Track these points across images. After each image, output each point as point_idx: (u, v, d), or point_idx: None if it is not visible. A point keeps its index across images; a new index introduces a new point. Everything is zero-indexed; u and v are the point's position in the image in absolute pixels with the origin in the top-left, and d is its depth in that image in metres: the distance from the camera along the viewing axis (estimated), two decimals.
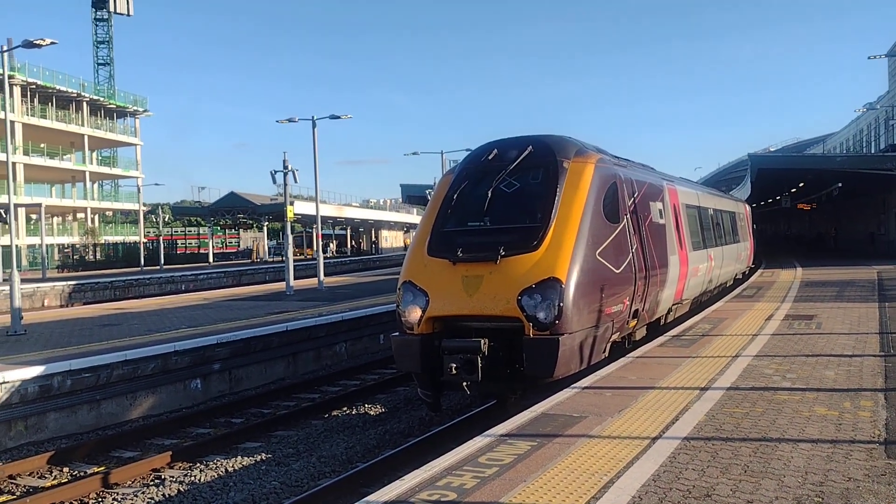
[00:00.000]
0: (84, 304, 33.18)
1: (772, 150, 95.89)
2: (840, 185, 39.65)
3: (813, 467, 5.68)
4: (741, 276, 26.86)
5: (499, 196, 10.50)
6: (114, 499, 9.14)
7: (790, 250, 53.27)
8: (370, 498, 5.42)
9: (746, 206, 30.90)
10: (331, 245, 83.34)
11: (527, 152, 10.72)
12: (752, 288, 21.92)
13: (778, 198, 53.33)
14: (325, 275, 31.44)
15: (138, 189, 67.70)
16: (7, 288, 17.48)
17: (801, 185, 45.68)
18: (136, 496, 9.12)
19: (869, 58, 32.87)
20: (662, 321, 14.19)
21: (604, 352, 10.58)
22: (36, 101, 61.92)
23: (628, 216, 11.59)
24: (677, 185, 16.38)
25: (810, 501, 5.01)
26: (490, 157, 10.98)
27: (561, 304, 9.34)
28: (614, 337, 11.00)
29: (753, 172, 37.77)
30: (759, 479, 5.46)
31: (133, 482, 9.75)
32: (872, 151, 65.18)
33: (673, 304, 14.44)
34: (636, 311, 11.66)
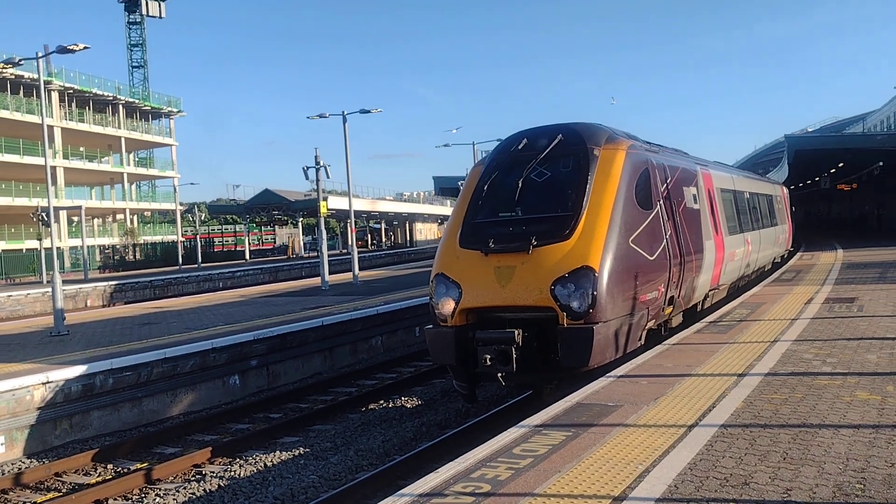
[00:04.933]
0: (125, 303, 33.80)
1: (809, 130, 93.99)
2: (881, 163, 38.73)
3: (854, 453, 5.57)
4: (780, 260, 26.42)
5: (529, 186, 10.44)
6: (157, 494, 9.30)
7: (830, 232, 52.26)
8: (405, 490, 5.44)
9: (784, 188, 30.37)
10: (367, 238, 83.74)
11: (557, 141, 10.63)
12: (790, 271, 21.54)
13: (817, 179, 52.26)
14: (360, 269, 31.61)
15: (175, 189, 68.87)
16: (51, 289, 17.85)
17: (841, 165, 44.77)
18: (178, 491, 9.28)
19: None
20: (699, 307, 14.01)
21: (639, 339, 10.49)
22: (73, 105, 63.10)
23: (661, 202, 11.45)
24: (711, 169, 16.14)
25: (851, 488, 4.92)
26: (520, 147, 10.92)
27: (595, 293, 9.27)
28: (650, 324, 10.89)
29: (790, 154, 37.14)
30: (799, 466, 5.37)
31: (175, 478, 9.92)
32: None
33: (709, 290, 14.24)
34: (671, 297, 11.53)
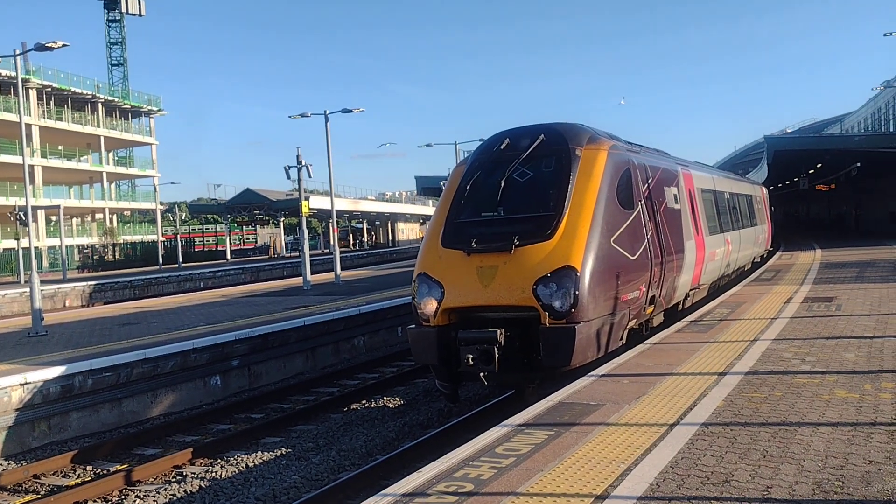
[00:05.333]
0: (104, 303, 33.49)
1: (788, 131, 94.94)
2: (859, 164, 39.19)
3: (833, 451, 5.63)
4: (759, 260, 26.67)
5: (512, 185, 10.46)
6: (136, 496, 9.22)
7: (809, 232, 52.81)
8: (388, 490, 5.43)
9: (763, 188, 30.65)
10: (349, 238, 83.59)
11: (539, 141, 10.67)
12: (770, 271, 21.74)
13: (795, 179, 52.80)
14: (343, 269, 31.55)
15: (155, 188, 68.30)
16: (28, 289, 17.66)
17: (819, 165, 45.24)
18: (159, 493, 9.21)
19: (885, 35, 32.36)
20: (680, 307, 14.10)
21: (621, 339, 10.54)
22: (52, 103, 62.41)
23: (643, 202, 11.51)
24: (692, 169, 16.26)
25: (830, 485, 4.97)
26: (502, 147, 10.94)
27: (576, 293, 9.31)
28: (631, 324, 10.94)
29: (770, 154, 37.50)
30: (779, 463, 5.42)
31: (155, 479, 9.84)
32: (891, 129, 64.39)
33: (690, 290, 14.34)
34: (653, 297, 11.60)
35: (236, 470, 9.84)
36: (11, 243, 51.27)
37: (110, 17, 75.09)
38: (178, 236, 59.02)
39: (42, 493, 9.58)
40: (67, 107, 63.97)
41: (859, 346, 9.54)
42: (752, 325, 11.73)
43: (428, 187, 55.20)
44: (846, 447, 5.69)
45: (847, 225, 55.69)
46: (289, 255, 68.95)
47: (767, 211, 29.94)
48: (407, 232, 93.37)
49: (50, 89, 61.42)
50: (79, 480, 9.97)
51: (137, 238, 71.67)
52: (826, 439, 5.90)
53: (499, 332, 9.41)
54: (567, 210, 9.92)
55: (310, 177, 28.24)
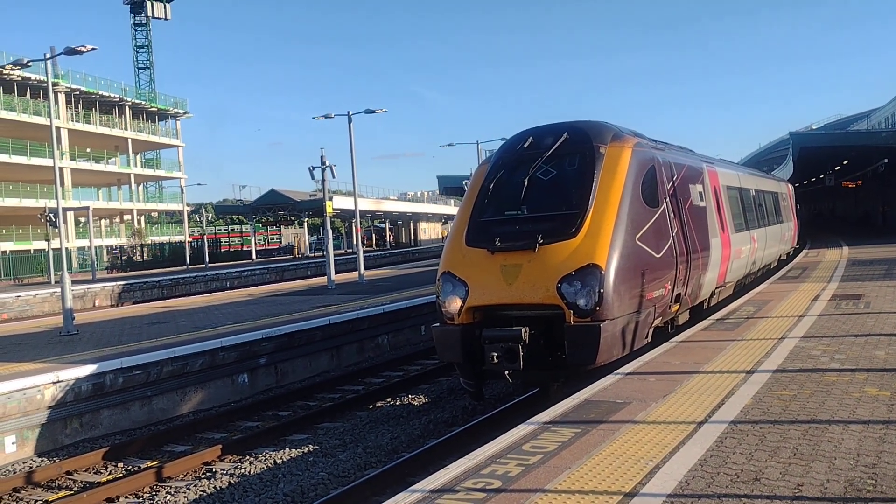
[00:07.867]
0: (133, 303, 33.90)
1: (814, 127, 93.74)
2: (886, 161, 38.65)
3: (865, 449, 5.58)
4: (785, 257, 26.39)
5: (535, 184, 10.45)
6: (167, 492, 9.35)
7: (835, 229, 52.11)
8: (416, 487, 5.47)
9: (789, 185, 30.31)
10: (373, 238, 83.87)
11: (562, 139, 10.64)
12: (797, 269, 21.51)
13: (821, 176, 52.20)
14: (366, 268, 31.68)
15: (182, 189, 69.00)
16: (59, 290, 17.93)
17: (845, 162, 44.71)
18: (189, 489, 9.33)
19: None
20: (706, 305, 14.01)
21: (646, 337, 10.50)
22: (80, 106, 63.23)
23: (667, 200, 11.45)
24: (717, 166, 16.14)
25: (863, 484, 4.93)
26: (526, 146, 10.93)
27: (601, 291, 9.29)
28: (657, 322, 10.89)
29: (795, 151, 37.11)
30: (809, 461, 5.39)
31: (185, 476, 9.97)
32: None
33: (716, 288, 14.25)
34: (678, 295, 11.54)
35: (265, 466, 9.94)
36: (42, 244, 52.01)
37: (137, 21, 75.94)
38: (205, 237, 59.63)
39: (74, 489, 9.75)
40: (95, 110, 64.83)
41: (889, 343, 9.43)
42: (780, 322, 11.64)
43: (450, 187, 55.25)
44: (878, 445, 5.64)
45: (874, 222, 54.90)
46: (313, 254, 69.31)
47: (793, 208, 29.62)
48: (429, 232, 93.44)
49: (78, 93, 62.23)
50: (110, 477, 10.13)
51: (165, 239, 72.42)
52: (857, 437, 5.85)
53: (523, 330, 9.42)
54: (591, 208, 9.90)
55: (334, 177, 28.40)
